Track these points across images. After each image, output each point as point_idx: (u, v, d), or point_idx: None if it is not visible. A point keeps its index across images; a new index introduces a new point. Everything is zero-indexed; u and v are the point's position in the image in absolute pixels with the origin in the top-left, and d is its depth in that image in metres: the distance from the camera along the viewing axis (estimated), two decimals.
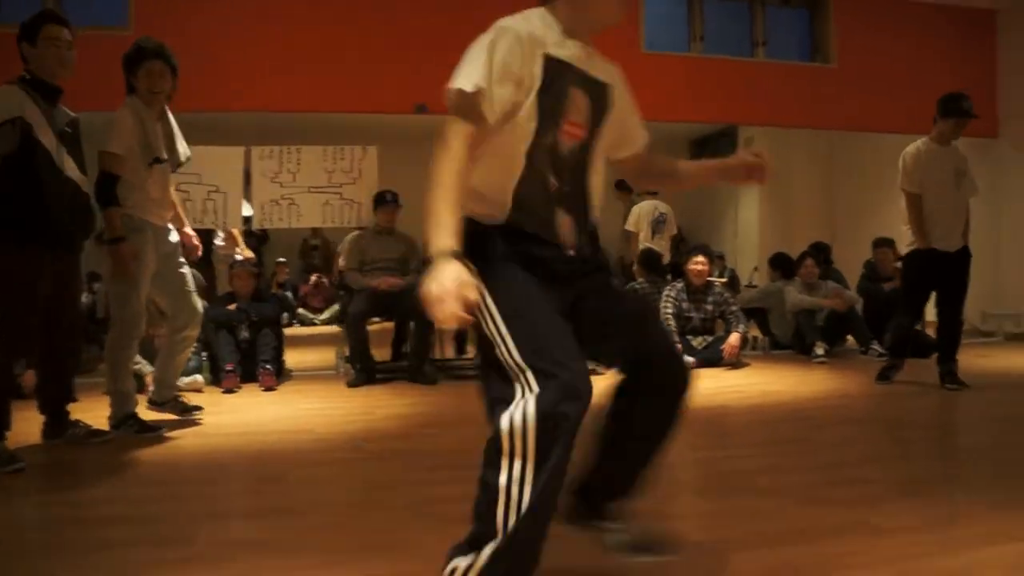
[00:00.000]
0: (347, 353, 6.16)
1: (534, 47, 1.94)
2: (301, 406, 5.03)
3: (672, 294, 6.77)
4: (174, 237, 4.38)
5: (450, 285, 1.70)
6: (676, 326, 6.63)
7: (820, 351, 6.90)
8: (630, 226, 8.61)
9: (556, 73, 1.97)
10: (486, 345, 1.93)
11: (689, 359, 6.41)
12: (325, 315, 11.94)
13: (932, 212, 5.42)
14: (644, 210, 8.58)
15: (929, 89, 7.92)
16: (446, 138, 1.89)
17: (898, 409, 4.83)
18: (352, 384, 5.78)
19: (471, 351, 7.17)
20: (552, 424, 1.75)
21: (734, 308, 6.84)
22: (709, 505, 3.04)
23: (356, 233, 6.65)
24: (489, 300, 1.87)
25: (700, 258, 6.77)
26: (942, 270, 5.41)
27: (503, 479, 1.77)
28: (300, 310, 12.01)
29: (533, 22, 1.99)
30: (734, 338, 6.57)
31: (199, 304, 4.50)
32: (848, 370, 6.37)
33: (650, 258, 7.60)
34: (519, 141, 1.95)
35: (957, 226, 5.43)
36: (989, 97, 8.82)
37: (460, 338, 7.46)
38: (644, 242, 8.32)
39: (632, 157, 2.36)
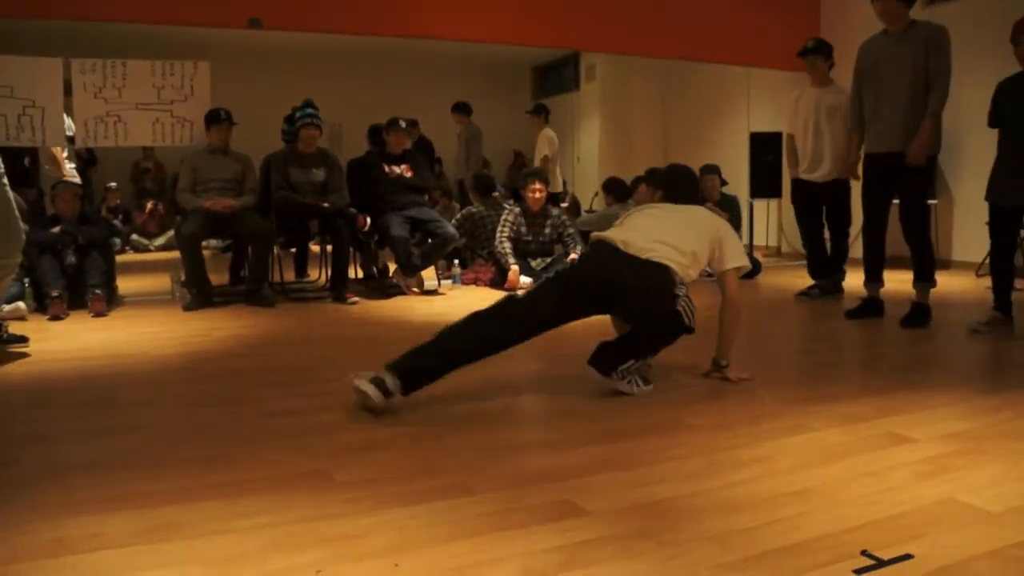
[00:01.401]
0: (182, 277, 6.00)
1: None
2: (134, 331, 4.90)
3: (510, 218, 6.90)
4: None
5: None
6: (514, 249, 6.78)
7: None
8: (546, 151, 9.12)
9: None
10: None
11: (527, 280, 6.61)
12: (160, 240, 11.54)
13: (802, 145, 6.15)
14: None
15: (757, 24, 8.31)
16: None
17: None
18: (188, 307, 5.66)
19: (312, 273, 7.14)
20: None
21: (571, 230, 7.06)
22: (548, 409, 3.22)
23: (189, 152, 6.44)
24: None
25: (537, 184, 6.89)
26: (814, 197, 6.15)
27: None
28: (134, 236, 11.53)
29: None
30: (572, 258, 6.79)
31: (21, 228, 4.27)
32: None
33: (483, 182, 7.71)
34: None
35: (824, 159, 6.04)
36: (812, 31, 9.28)
37: (300, 261, 7.40)
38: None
39: None
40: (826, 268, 6.24)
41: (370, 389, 2.91)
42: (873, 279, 5.16)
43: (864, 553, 1.79)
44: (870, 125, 5.00)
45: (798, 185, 6.26)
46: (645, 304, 3.27)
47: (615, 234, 3.42)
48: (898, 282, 5.50)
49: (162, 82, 6.18)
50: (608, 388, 3.26)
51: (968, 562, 1.76)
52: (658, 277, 3.24)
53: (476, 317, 3.20)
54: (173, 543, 1.89)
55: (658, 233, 3.35)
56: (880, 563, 1.75)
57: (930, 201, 7.96)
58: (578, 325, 3.44)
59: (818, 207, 6.19)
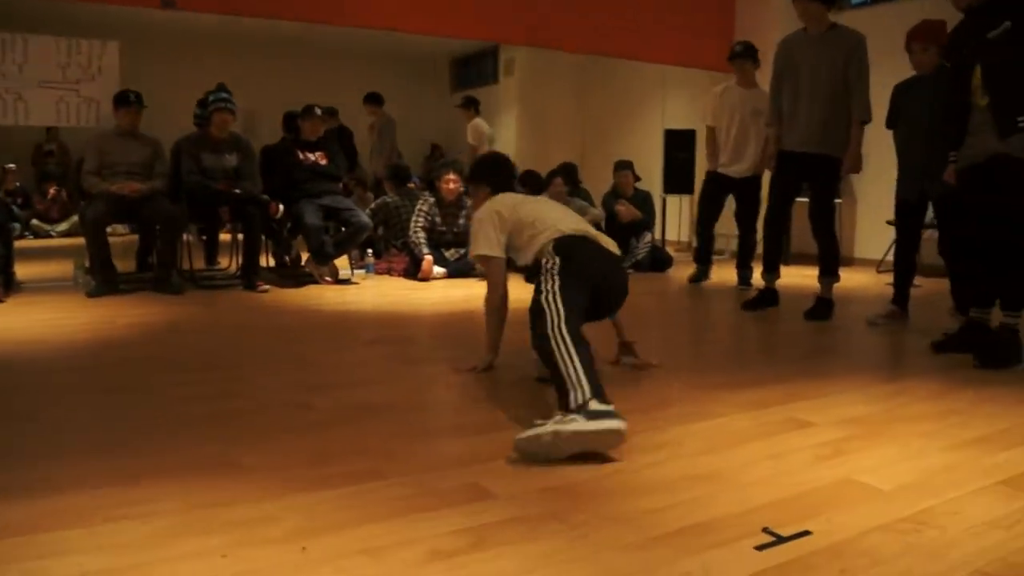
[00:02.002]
0: (86, 263, 5.81)
1: None
2: (33, 317, 4.73)
3: (424, 208, 6.87)
4: None
5: None
6: (428, 239, 6.76)
7: None
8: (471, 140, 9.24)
9: None
10: None
11: (440, 270, 6.61)
12: (63, 226, 11.14)
13: (724, 140, 6.42)
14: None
15: (672, 20, 8.44)
16: None
17: (645, 308, 5.23)
18: (92, 294, 5.48)
19: (223, 261, 6.99)
20: None
21: None
22: (458, 396, 3.23)
23: (95, 134, 6.23)
24: None
25: (452, 175, 6.87)
26: (726, 191, 6.49)
27: None
28: (35, 221, 11.11)
29: None
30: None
31: None
32: None
33: (398, 172, 7.67)
34: None
35: (745, 157, 6.35)
36: (727, 31, 9.48)
37: (210, 248, 7.25)
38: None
39: None
40: (709, 256, 6.77)
41: (616, 423, 2.34)
42: (770, 270, 5.32)
43: (765, 530, 1.85)
44: (787, 123, 5.13)
45: (713, 178, 6.50)
46: (621, 301, 3.32)
47: (580, 227, 3.26)
48: (800, 276, 5.68)
49: (67, 60, 5.97)
50: (519, 375, 3.29)
51: (861, 536, 1.84)
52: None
53: (577, 321, 2.77)
54: (72, 530, 1.83)
55: (582, 223, 3.36)
56: (780, 539, 1.81)
57: (835, 200, 8.27)
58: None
59: (724, 201, 6.52)
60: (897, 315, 4.86)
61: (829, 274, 5.08)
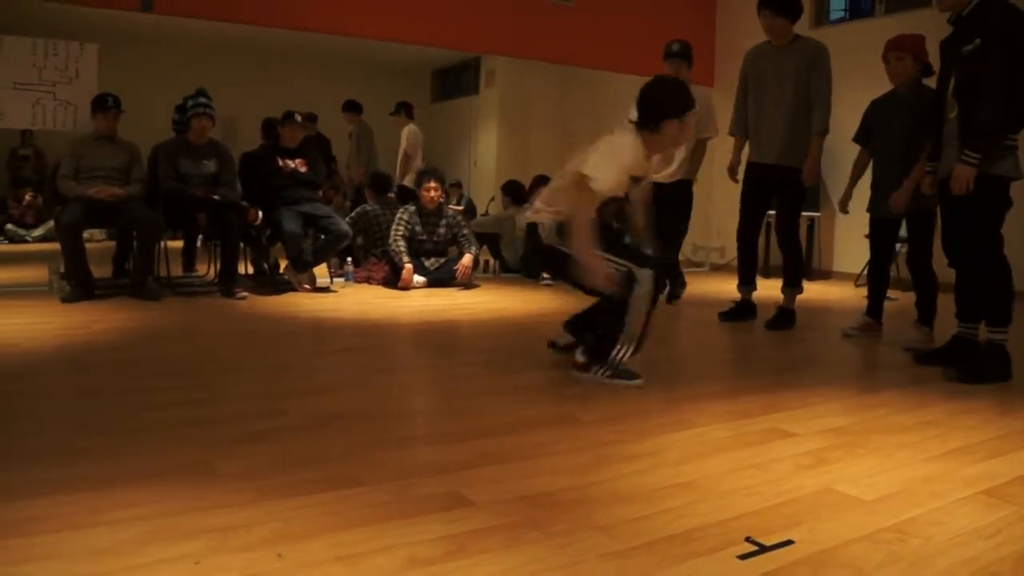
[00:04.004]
0: (62, 268, 5.73)
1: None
2: (6, 321, 4.65)
3: (405, 217, 6.84)
4: None
5: None
6: (408, 248, 6.72)
7: (547, 275, 7.27)
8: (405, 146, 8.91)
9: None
10: None
11: (420, 279, 6.58)
12: (39, 231, 11.01)
13: None
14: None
15: (656, 34, 8.47)
16: None
17: None
18: (67, 299, 5.40)
19: (201, 268, 6.93)
20: None
21: (466, 231, 7.04)
22: (437, 404, 3.19)
23: (73, 138, 6.15)
24: None
25: (433, 183, 6.84)
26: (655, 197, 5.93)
27: None
28: (9, 226, 10.98)
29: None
30: (467, 259, 6.79)
31: None
32: (571, 291, 6.78)
33: (380, 180, 7.64)
34: None
35: (674, 161, 5.94)
36: (708, 45, 9.55)
37: (188, 255, 7.18)
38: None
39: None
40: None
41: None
42: (746, 282, 5.32)
43: (748, 540, 1.83)
44: (753, 135, 5.16)
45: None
46: None
47: None
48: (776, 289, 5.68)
49: (44, 62, 5.88)
50: (498, 384, 3.27)
51: (844, 545, 1.82)
52: None
53: None
54: (40, 536, 1.78)
55: None
56: (763, 548, 1.79)
57: (813, 214, 8.31)
58: (465, 323, 3.43)
59: (659, 208, 5.93)
60: (871, 327, 4.88)
61: (792, 285, 5.12)
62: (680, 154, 5.94)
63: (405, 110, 9.77)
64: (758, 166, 5.12)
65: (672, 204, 5.99)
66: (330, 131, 10.32)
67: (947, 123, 3.86)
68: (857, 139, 4.96)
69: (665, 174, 5.93)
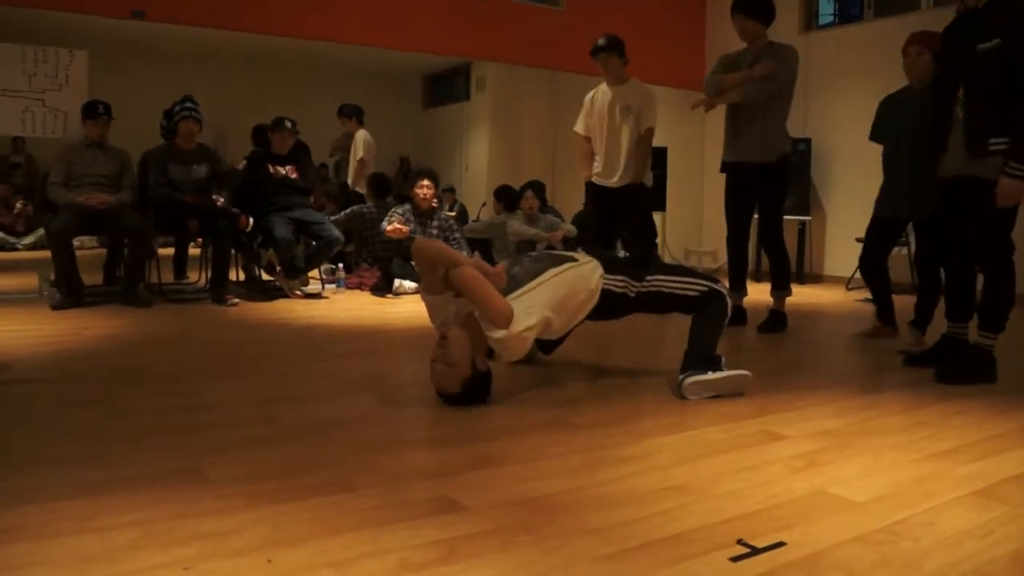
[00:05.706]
0: (52, 276, 5.70)
1: None
2: None
3: (399, 211, 6.84)
4: None
5: None
6: (398, 249, 6.71)
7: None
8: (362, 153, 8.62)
9: None
10: None
11: (411, 284, 6.57)
12: (30, 239, 10.98)
13: (598, 148, 5.81)
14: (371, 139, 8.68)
15: (645, 39, 8.49)
16: None
17: (601, 325, 5.23)
18: (57, 307, 5.37)
19: (193, 275, 6.91)
20: None
21: (457, 235, 7.04)
22: (428, 409, 3.18)
23: (63, 145, 6.13)
24: None
25: (426, 182, 6.85)
26: (608, 203, 5.79)
27: None
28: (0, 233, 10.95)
29: None
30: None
31: None
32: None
33: (379, 182, 7.64)
34: None
35: (618, 162, 5.69)
36: (698, 51, 9.58)
37: (179, 262, 7.16)
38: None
39: None
40: None
41: None
42: (736, 288, 5.30)
43: (740, 542, 1.83)
44: (728, 136, 5.18)
45: (592, 189, 5.90)
46: None
47: None
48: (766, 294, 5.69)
49: (34, 69, 5.87)
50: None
51: (836, 547, 1.82)
52: None
53: None
54: (28, 543, 1.77)
55: None
56: (755, 551, 1.79)
57: (803, 218, 8.33)
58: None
59: (612, 214, 5.84)
60: (887, 331, 4.87)
61: (781, 288, 5.12)
62: (623, 158, 5.66)
63: (356, 115, 8.90)
64: (735, 165, 5.12)
65: (628, 210, 5.80)
66: (322, 138, 10.29)
67: (955, 123, 3.66)
68: (873, 137, 4.86)
69: (614, 180, 5.70)
